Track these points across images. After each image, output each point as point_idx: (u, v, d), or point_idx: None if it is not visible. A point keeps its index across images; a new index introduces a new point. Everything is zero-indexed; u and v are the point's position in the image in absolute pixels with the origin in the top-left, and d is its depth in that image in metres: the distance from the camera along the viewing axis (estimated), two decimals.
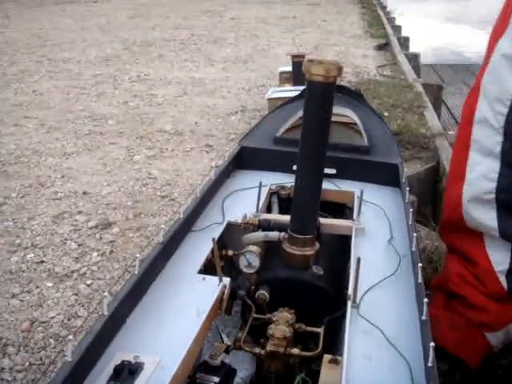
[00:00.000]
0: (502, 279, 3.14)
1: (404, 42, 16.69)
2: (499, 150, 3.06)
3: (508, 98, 2.98)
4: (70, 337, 1.82)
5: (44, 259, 4.83)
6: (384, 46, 15.19)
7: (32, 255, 4.89)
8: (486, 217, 3.16)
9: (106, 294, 2.07)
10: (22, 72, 11.67)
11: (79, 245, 5.06)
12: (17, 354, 3.77)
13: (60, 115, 8.92)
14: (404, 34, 18.37)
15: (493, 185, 3.09)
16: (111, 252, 4.95)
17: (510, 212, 3.11)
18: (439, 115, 9.71)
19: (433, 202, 6.53)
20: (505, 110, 3.00)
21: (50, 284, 4.49)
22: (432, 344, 1.90)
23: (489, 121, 3.09)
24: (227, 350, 2.41)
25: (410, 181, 3.51)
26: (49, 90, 10.35)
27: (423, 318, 2.15)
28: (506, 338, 3.27)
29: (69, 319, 4.07)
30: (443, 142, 7.21)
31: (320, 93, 2.44)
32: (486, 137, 3.13)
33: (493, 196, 3.10)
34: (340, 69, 2.40)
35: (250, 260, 2.68)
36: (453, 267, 3.52)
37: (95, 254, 4.92)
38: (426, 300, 2.16)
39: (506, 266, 3.12)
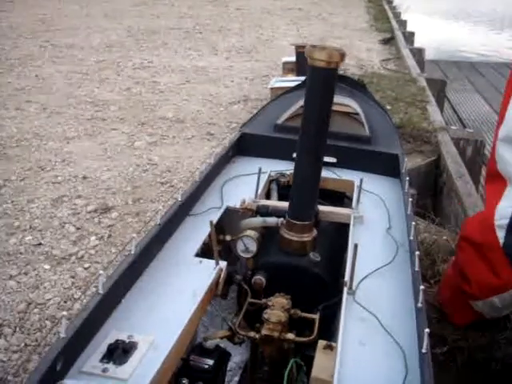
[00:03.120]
0: (501, 234, 3.08)
1: (409, 37, 16.67)
2: None
3: None
4: (64, 313, 1.82)
5: (42, 242, 4.83)
6: (389, 41, 15.16)
7: (30, 237, 4.89)
8: None
9: (101, 272, 2.07)
10: (25, 56, 11.64)
11: (78, 228, 5.05)
12: (13, 334, 3.76)
13: (62, 100, 8.90)
14: (409, 29, 18.33)
15: None
16: (109, 236, 4.94)
17: None
18: (442, 110, 9.69)
19: (433, 195, 6.53)
20: None
21: (47, 266, 4.48)
22: (427, 330, 1.89)
23: None
24: (232, 339, 2.42)
25: (410, 174, 3.50)
26: (51, 75, 10.32)
27: (419, 305, 2.15)
28: (489, 309, 3.28)
29: (65, 301, 4.06)
30: (445, 136, 7.19)
31: (322, 78, 2.43)
32: None
33: None
34: (343, 55, 2.38)
35: (247, 245, 2.67)
36: (471, 219, 3.64)
37: (93, 237, 4.91)
38: (422, 287, 2.15)
39: (506, 221, 3.05)
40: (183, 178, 6.05)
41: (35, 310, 3.99)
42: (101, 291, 2.03)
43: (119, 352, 1.91)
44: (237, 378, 2.68)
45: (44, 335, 3.74)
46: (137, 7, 19.05)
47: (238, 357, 2.77)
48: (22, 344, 3.69)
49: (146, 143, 7.21)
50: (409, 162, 4.80)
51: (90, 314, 1.94)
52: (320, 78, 2.43)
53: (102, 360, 1.88)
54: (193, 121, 8.14)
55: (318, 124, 2.49)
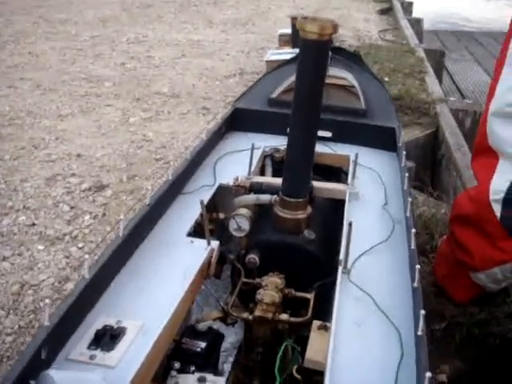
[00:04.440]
0: (496, 208, 3.06)
1: (407, 7, 16.45)
2: None
3: None
4: (47, 301, 1.76)
5: (36, 222, 4.77)
6: (387, 11, 14.97)
7: (24, 218, 4.83)
8: (506, 131, 3.06)
9: (86, 256, 2.01)
10: (18, 33, 11.49)
11: (72, 207, 4.99)
12: (6, 317, 3.73)
13: (56, 77, 8.79)
14: None
15: None
16: (104, 215, 4.89)
17: None
18: (441, 81, 9.57)
19: (432, 168, 6.46)
20: None
21: (41, 247, 4.43)
22: (423, 312, 1.84)
23: None
24: (225, 320, 2.38)
25: (408, 147, 3.42)
26: (45, 52, 10.20)
27: (415, 284, 2.09)
28: (490, 280, 3.26)
29: (59, 282, 4.02)
30: (444, 107, 7.10)
31: (314, 51, 2.35)
32: None
33: None
34: (335, 26, 2.30)
35: (239, 223, 2.61)
36: (460, 196, 3.57)
37: (88, 216, 4.85)
38: (418, 267, 2.09)
39: (501, 196, 3.03)
40: (178, 154, 5.98)
41: (29, 292, 3.94)
42: (87, 276, 1.97)
43: (107, 338, 1.86)
44: (232, 359, 2.63)
45: (38, 317, 3.70)
46: None
47: (233, 337, 2.71)
48: (16, 326, 3.65)
49: (141, 119, 7.13)
50: (407, 134, 4.73)
51: (76, 299, 1.88)
52: (312, 50, 2.35)
53: (89, 347, 1.83)
54: (188, 95, 8.05)
55: (310, 98, 2.42)
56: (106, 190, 5.30)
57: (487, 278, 3.25)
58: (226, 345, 2.58)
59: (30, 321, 3.68)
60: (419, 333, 1.84)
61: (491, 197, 3.08)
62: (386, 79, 7.80)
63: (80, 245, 4.44)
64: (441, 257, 3.74)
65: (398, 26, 12.95)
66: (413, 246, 2.31)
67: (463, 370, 3.34)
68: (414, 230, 2.36)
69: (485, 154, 3.25)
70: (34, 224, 4.74)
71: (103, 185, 5.39)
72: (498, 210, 3.05)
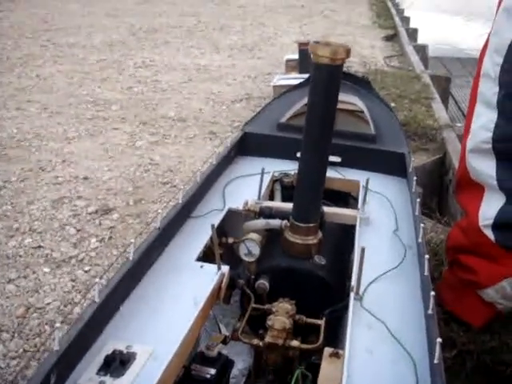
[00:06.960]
0: (488, 233, 3.16)
1: (412, 34, 16.49)
2: (496, 100, 3.11)
3: (504, 48, 3.01)
4: (58, 324, 1.73)
5: (42, 244, 4.75)
6: (392, 37, 15.06)
7: (30, 240, 4.81)
8: (485, 167, 3.20)
9: (97, 280, 1.98)
10: (26, 56, 11.53)
11: (78, 230, 4.97)
12: (11, 340, 3.69)
13: (63, 100, 8.81)
14: (412, 25, 18.19)
15: (490, 135, 3.12)
16: (110, 238, 4.87)
17: (507, 161, 3.14)
18: (447, 107, 9.57)
19: (439, 194, 6.43)
20: (501, 60, 3.04)
21: (47, 269, 4.40)
22: (439, 340, 1.81)
23: (489, 72, 3.15)
24: (225, 341, 2.34)
25: (415, 172, 3.42)
26: (52, 75, 10.23)
27: (429, 311, 2.06)
28: (500, 296, 3.27)
29: (65, 306, 3.99)
30: (450, 133, 7.10)
31: (326, 76, 2.35)
32: (487, 88, 3.18)
33: (490, 146, 3.13)
34: (348, 51, 2.31)
35: (249, 248, 2.60)
36: (452, 230, 3.71)
37: (94, 239, 4.83)
38: (432, 293, 2.07)
39: (491, 221, 3.15)
40: (185, 178, 5.97)
41: (34, 315, 3.91)
42: (97, 300, 1.95)
43: (117, 363, 1.83)
44: None
45: (43, 341, 3.66)
46: (138, 6, 18.93)
47: (242, 363, 2.69)
48: (21, 350, 3.61)
49: (148, 143, 7.13)
50: (414, 160, 4.70)
51: (86, 324, 1.85)
52: (324, 75, 2.35)
53: (98, 372, 1.80)
54: (195, 120, 8.06)
55: (322, 122, 2.41)
56: (113, 214, 5.28)
57: (497, 294, 3.25)
58: (234, 371, 2.55)
59: (34, 344, 3.65)
60: (436, 361, 1.80)
61: (481, 223, 3.18)
62: (393, 105, 7.78)
63: (86, 268, 4.42)
64: (445, 285, 3.73)
65: (403, 53, 13.01)
66: (426, 272, 2.28)
67: None
68: (427, 256, 2.34)
69: (469, 187, 3.39)
70: (40, 246, 4.72)
71: (110, 208, 5.37)
72: (490, 234, 3.15)
